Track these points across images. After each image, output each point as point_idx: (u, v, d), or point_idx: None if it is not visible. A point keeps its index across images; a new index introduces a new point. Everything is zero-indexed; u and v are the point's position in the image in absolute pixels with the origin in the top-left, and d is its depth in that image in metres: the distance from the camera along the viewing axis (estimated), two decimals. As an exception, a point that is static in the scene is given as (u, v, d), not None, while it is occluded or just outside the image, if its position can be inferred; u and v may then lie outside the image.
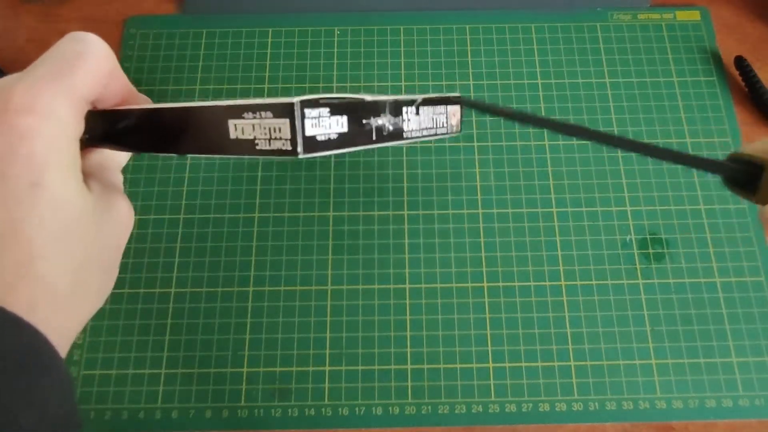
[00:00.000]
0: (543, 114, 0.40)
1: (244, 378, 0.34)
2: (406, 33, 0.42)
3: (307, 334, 0.35)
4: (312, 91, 0.40)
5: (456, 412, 0.33)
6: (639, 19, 0.43)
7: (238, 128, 0.18)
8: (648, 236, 0.37)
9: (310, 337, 0.35)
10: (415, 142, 0.20)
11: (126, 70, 0.41)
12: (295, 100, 0.17)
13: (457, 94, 0.22)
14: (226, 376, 0.34)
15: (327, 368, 0.34)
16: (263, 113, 0.17)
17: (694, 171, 0.38)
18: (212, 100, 0.19)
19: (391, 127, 0.19)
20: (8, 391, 0.16)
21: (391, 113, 0.19)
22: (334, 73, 0.41)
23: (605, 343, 0.34)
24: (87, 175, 0.21)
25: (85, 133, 0.20)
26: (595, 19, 0.43)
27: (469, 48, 0.42)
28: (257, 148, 0.17)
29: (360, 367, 0.34)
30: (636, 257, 0.36)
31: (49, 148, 0.18)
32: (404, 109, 0.20)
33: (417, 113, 0.20)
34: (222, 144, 0.18)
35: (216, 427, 0.33)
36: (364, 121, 0.18)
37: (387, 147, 0.39)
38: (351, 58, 0.42)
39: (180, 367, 0.34)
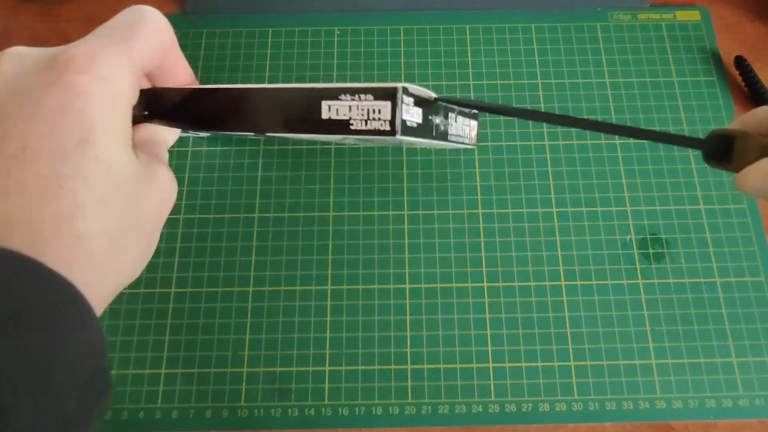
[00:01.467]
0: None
1: (244, 378, 0.34)
2: (406, 33, 0.42)
3: (307, 334, 0.35)
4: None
5: (456, 412, 0.33)
6: (639, 19, 0.43)
7: (332, 109, 0.19)
8: (648, 236, 0.37)
9: (310, 337, 0.35)
10: (446, 147, 0.22)
11: (126, 70, 0.41)
12: (398, 85, 0.19)
13: (476, 111, 0.23)
14: (226, 376, 0.34)
15: (327, 368, 0.34)
16: (363, 96, 0.19)
17: (694, 171, 0.38)
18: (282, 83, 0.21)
19: (442, 127, 0.21)
20: (41, 345, 0.16)
21: (443, 115, 0.21)
22: (334, 73, 0.41)
23: (605, 343, 0.34)
24: (135, 145, 0.21)
25: (143, 109, 0.21)
26: (595, 19, 0.43)
27: (469, 48, 0.42)
28: (351, 127, 0.19)
29: (360, 367, 0.34)
30: (636, 257, 0.36)
31: (101, 108, 0.19)
32: (450, 114, 0.21)
33: (456, 120, 0.21)
34: (311, 123, 0.19)
35: (216, 427, 0.33)
36: (429, 117, 0.20)
37: (388, 147, 0.39)
38: (351, 58, 0.42)
39: (180, 367, 0.34)
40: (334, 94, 0.19)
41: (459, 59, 0.41)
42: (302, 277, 0.36)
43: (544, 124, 0.39)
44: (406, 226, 0.37)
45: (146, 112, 0.22)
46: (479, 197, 0.38)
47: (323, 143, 0.39)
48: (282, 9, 0.43)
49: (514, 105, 0.33)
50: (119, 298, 0.35)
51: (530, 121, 0.39)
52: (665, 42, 0.42)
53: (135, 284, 0.36)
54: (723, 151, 0.22)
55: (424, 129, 0.20)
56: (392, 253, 0.36)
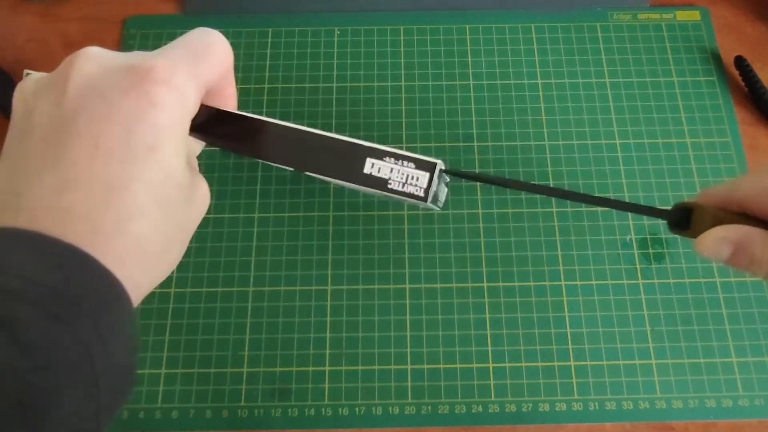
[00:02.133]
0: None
1: (244, 378, 0.34)
2: (406, 33, 0.42)
3: (307, 334, 0.35)
4: (312, 92, 0.40)
5: (456, 412, 0.33)
6: (639, 19, 0.43)
7: (375, 167, 0.22)
8: (648, 236, 0.37)
9: (310, 337, 0.35)
10: (429, 209, 0.28)
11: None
12: (439, 162, 0.22)
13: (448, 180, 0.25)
14: (226, 376, 0.34)
15: (327, 368, 0.34)
16: (406, 162, 0.22)
17: (694, 171, 0.38)
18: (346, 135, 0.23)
19: (439, 194, 0.24)
20: (91, 338, 0.17)
21: (443, 183, 0.24)
22: (334, 73, 0.41)
23: (605, 343, 0.34)
24: None
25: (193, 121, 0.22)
26: (595, 19, 0.43)
27: (469, 48, 0.42)
28: (389, 186, 0.22)
29: (360, 367, 0.34)
30: (636, 257, 0.36)
31: (172, 119, 0.20)
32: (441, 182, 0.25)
33: (441, 188, 0.24)
34: (351, 174, 0.22)
35: (216, 427, 0.33)
36: (437, 187, 0.23)
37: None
38: (351, 58, 0.42)
39: (180, 367, 0.34)
40: (380, 155, 0.22)
41: (459, 59, 0.41)
42: (302, 277, 0.36)
43: (543, 124, 0.39)
44: (406, 226, 0.37)
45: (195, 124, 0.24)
46: (479, 197, 0.38)
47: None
48: (282, 9, 0.43)
49: (520, 178, 0.37)
50: (119, 298, 0.35)
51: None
52: (665, 42, 0.42)
53: (135, 284, 0.36)
54: (684, 220, 0.26)
55: (435, 196, 0.23)
56: (392, 253, 0.36)
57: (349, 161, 0.22)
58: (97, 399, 0.17)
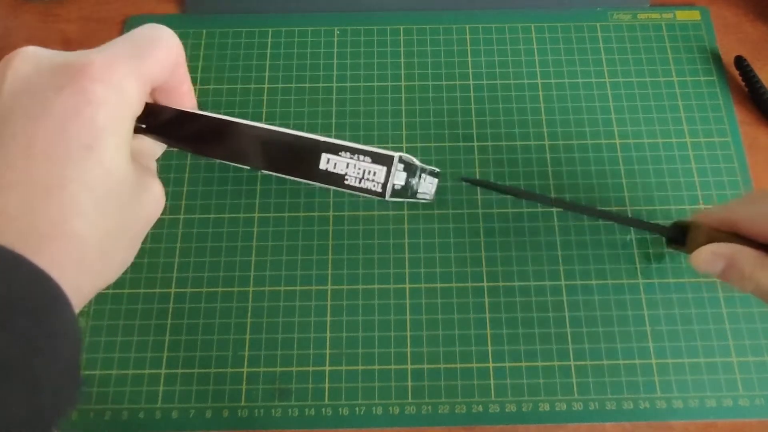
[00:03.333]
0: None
1: (245, 378, 0.34)
2: (406, 33, 0.42)
3: (307, 334, 0.35)
4: (312, 92, 0.40)
5: (456, 412, 0.33)
6: (639, 19, 0.43)
7: (331, 162, 0.21)
8: (648, 236, 0.37)
9: (311, 337, 0.35)
10: (415, 201, 0.27)
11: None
12: (396, 154, 0.21)
13: (438, 170, 0.25)
14: (227, 376, 0.34)
15: (327, 368, 0.34)
16: (362, 156, 0.21)
17: (694, 171, 0.38)
18: (297, 130, 0.23)
19: (414, 187, 0.23)
20: (26, 338, 0.16)
21: (417, 176, 0.23)
22: (334, 73, 0.41)
23: (605, 343, 0.34)
24: (132, 156, 0.22)
25: (142, 122, 0.22)
26: (595, 19, 0.43)
27: (469, 48, 0.42)
28: (345, 182, 0.21)
29: (360, 367, 0.34)
30: (636, 257, 0.36)
31: (110, 117, 0.19)
32: (421, 174, 0.24)
33: (425, 180, 0.24)
34: (307, 170, 0.21)
35: (216, 427, 0.33)
36: (410, 180, 0.23)
37: (388, 147, 0.39)
38: (351, 58, 0.42)
39: (180, 367, 0.34)
40: (335, 150, 0.21)
41: (459, 59, 0.41)
42: (302, 277, 0.36)
43: (543, 124, 0.39)
44: (406, 226, 0.37)
45: (144, 125, 0.23)
46: (479, 197, 0.38)
47: None
48: (282, 9, 0.43)
49: (535, 191, 0.38)
50: (119, 298, 0.35)
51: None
52: (665, 42, 0.42)
53: (135, 284, 0.36)
54: (680, 236, 0.29)
55: (404, 189, 0.23)
56: (392, 253, 0.36)
57: (304, 157, 0.22)
58: (39, 400, 0.16)
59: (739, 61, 0.40)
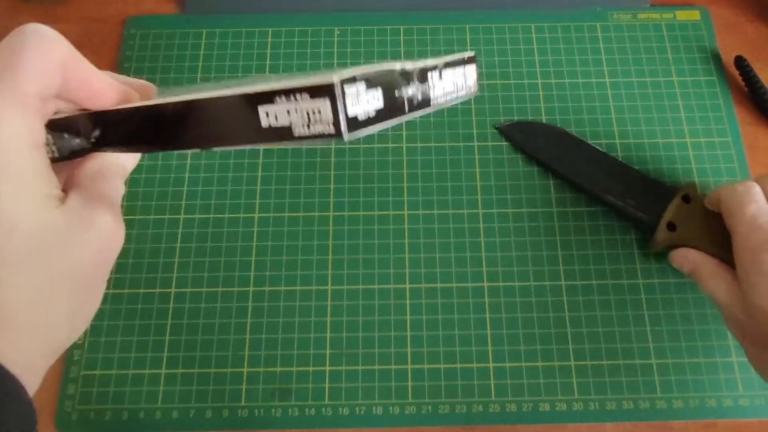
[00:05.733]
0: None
1: (245, 378, 0.34)
2: (406, 33, 0.42)
3: (307, 334, 0.35)
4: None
5: (456, 412, 0.33)
6: (639, 19, 0.43)
7: (271, 115, 0.17)
8: (648, 236, 0.37)
9: (311, 337, 0.35)
10: (441, 108, 0.20)
11: (126, 70, 0.41)
12: (335, 78, 0.15)
13: (471, 54, 0.21)
14: (227, 376, 0.34)
15: (327, 368, 0.34)
16: (299, 95, 0.16)
17: (694, 171, 0.38)
18: (219, 84, 0.19)
19: (420, 96, 0.19)
20: None
21: (418, 80, 0.18)
22: (334, 73, 0.41)
23: (605, 343, 0.34)
24: (70, 186, 0.19)
25: (84, 138, 0.19)
26: (595, 18, 0.43)
27: (468, 48, 0.42)
28: (295, 134, 0.16)
29: (360, 367, 0.34)
30: (636, 257, 0.36)
31: None
32: (429, 74, 0.19)
33: (440, 78, 0.19)
34: (253, 134, 0.17)
35: (216, 427, 0.33)
36: (396, 93, 0.18)
37: (388, 147, 0.39)
38: (351, 58, 0.42)
39: (180, 367, 0.34)
40: (269, 98, 0.16)
41: (459, 59, 0.41)
42: (302, 277, 0.36)
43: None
44: (406, 226, 0.37)
45: (93, 140, 0.19)
46: (479, 197, 0.38)
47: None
48: (282, 9, 0.43)
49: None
50: (119, 298, 0.35)
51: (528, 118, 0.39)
52: (665, 42, 0.42)
53: (135, 284, 0.36)
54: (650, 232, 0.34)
55: (391, 110, 0.17)
56: (392, 253, 0.36)
57: (242, 118, 0.17)
58: None
59: (739, 61, 0.40)
